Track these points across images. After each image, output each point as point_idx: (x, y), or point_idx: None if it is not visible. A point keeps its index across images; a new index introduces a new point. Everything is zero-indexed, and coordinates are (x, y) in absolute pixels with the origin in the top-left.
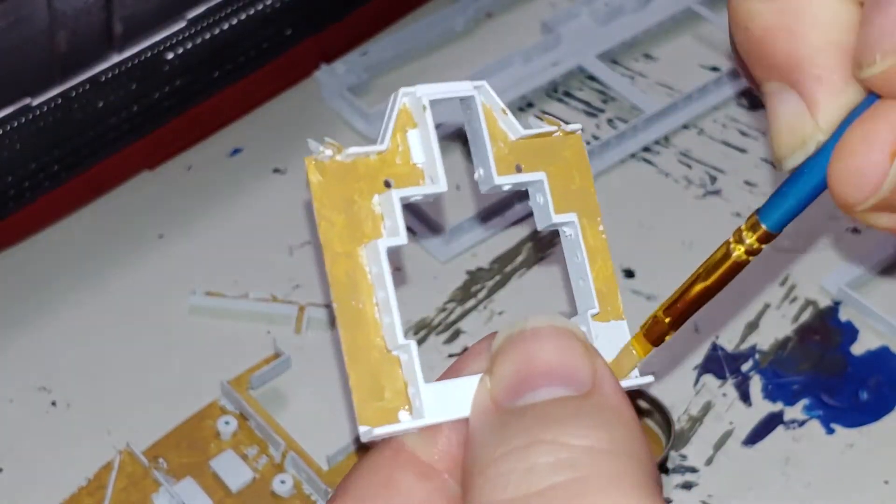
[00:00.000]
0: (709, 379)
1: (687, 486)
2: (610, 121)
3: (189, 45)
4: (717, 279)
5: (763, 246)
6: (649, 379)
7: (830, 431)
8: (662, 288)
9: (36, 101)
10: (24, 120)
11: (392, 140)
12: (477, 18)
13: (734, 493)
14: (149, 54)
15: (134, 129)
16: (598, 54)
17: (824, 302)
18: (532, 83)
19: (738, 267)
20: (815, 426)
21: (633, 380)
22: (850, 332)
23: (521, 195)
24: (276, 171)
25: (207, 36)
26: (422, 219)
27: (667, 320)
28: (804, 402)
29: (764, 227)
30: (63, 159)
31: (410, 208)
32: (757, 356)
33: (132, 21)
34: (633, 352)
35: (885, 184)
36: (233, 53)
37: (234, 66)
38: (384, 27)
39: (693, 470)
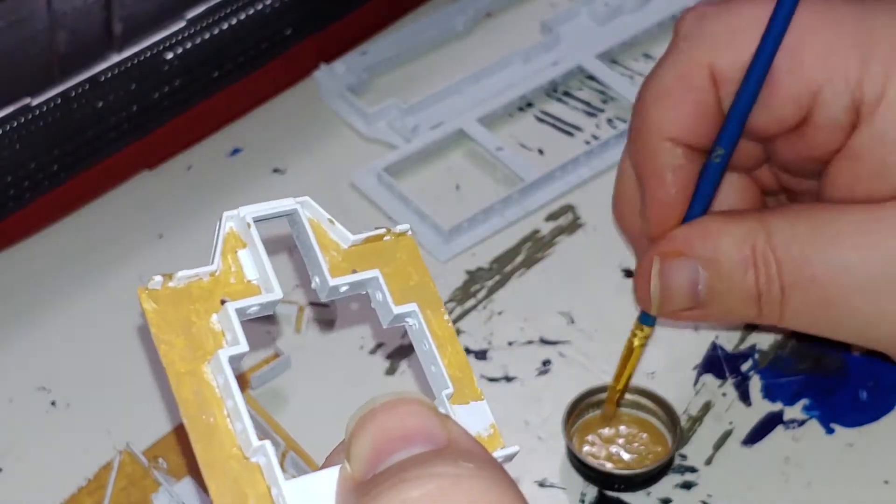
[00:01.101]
0: (708, 379)
1: (687, 486)
2: (610, 121)
3: (189, 45)
4: (633, 362)
5: (650, 330)
6: (514, 449)
7: (830, 431)
8: None
9: (36, 101)
10: (23, 120)
11: (224, 261)
12: (477, 18)
13: (734, 493)
14: (148, 54)
15: (134, 129)
16: (598, 54)
17: None
18: (532, 83)
19: (640, 349)
20: (814, 426)
21: (500, 451)
22: None
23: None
24: (275, 171)
25: (207, 36)
26: (422, 218)
27: (619, 389)
28: (804, 401)
29: (644, 327)
30: (63, 159)
31: (413, 206)
32: (757, 356)
33: (132, 21)
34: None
35: (653, 308)
36: (233, 53)
37: (234, 66)
38: (384, 27)
39: (693, 470)
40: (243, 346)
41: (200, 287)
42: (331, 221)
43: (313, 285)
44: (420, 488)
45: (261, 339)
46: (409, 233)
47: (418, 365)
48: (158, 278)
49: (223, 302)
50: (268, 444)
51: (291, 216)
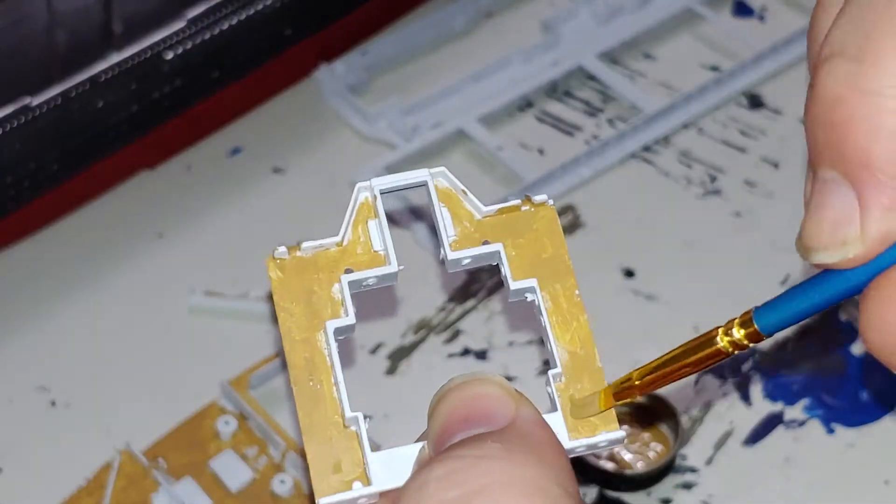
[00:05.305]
0: (709, 379)
1: (687, 486)
2: (610, 121)
3: (189, 45)
4: (696, 362)
5: (751, 344)
6: (620, 434)
7: (830, 431)
8: (662, 288)
9: (36, 101)
10: (23, 120)
11: (353, 232)
12: (477, 18)
13: (734, 493)
14: (148, 54)
15: (134, 129)
16: (598, 54)
17: None
18: (532, 83)
19: (721, 356)
20: (815, 426)
21: (602, 435)
22: (850, 332)
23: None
24: (275, 170)
25: (207, 36)
26: (421, 218)
27: (637, 383)
28: (804, 402)
29: (755, 327)
30: (63, 159)
31: (413, 206)
32: (757, 356)
33: (132, 21)
34: (596, 402)
35: None
36: (233, 53)
37: (234, 65)
38: (384, 27)
39: (693, 470)
40: (350, 319)
41: (327, 257)
42: (464, 192)
43: (440, 257)
44: (441, 468)
45: (261, 339)
46: (550, 202)
47: (419, 364)
48: (283, 249)
49: (347, 271)
50: (360, 415)
51: (425, 187)
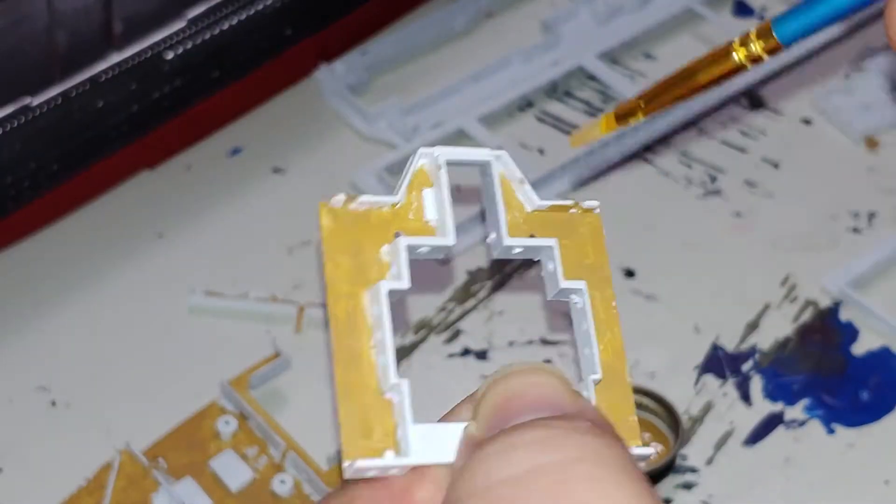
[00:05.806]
0: (709, 379)
1: (687, 486)
2: None
3: (189, 45)
4: (710, 79)
5: (766, 57)
6: (650, 451)
7: (831, 431)
8: (662, 288)
9: (36, 101)
10: (24, 120)
11: (407, 196)
12: (477, 18)
13: (734, 493)
14: (148, 54)
15: (134, 128)
16: (598, 54)
17: (824, 302)
18: (532, 83)
19: (736, 70)
20: (815, 426)
21: (633, 449)
22: (851, 332)
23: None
24: (275, 170)
25: (207, 36)
26: None
27: (642, 104)
28: (804, 402)
29: (776, 37)
30: (63, 159)
31: None
32: (757, 356)
33: (132, 21)
34: (598, 126)
35: None
36: (233, 53)
37: (234, 65)
38: (384, 26)
39: (693, 470)
40: (405, 283)
41: (379, 215)
42: (521, 181)
43: (488, 240)
44: (531, 434)
45: (261, 339)
46: (597, 210)
47: (419, 364)
48: (341, 196)
49: (397, 235)
50: (406, 382)
51: (483, 167)
